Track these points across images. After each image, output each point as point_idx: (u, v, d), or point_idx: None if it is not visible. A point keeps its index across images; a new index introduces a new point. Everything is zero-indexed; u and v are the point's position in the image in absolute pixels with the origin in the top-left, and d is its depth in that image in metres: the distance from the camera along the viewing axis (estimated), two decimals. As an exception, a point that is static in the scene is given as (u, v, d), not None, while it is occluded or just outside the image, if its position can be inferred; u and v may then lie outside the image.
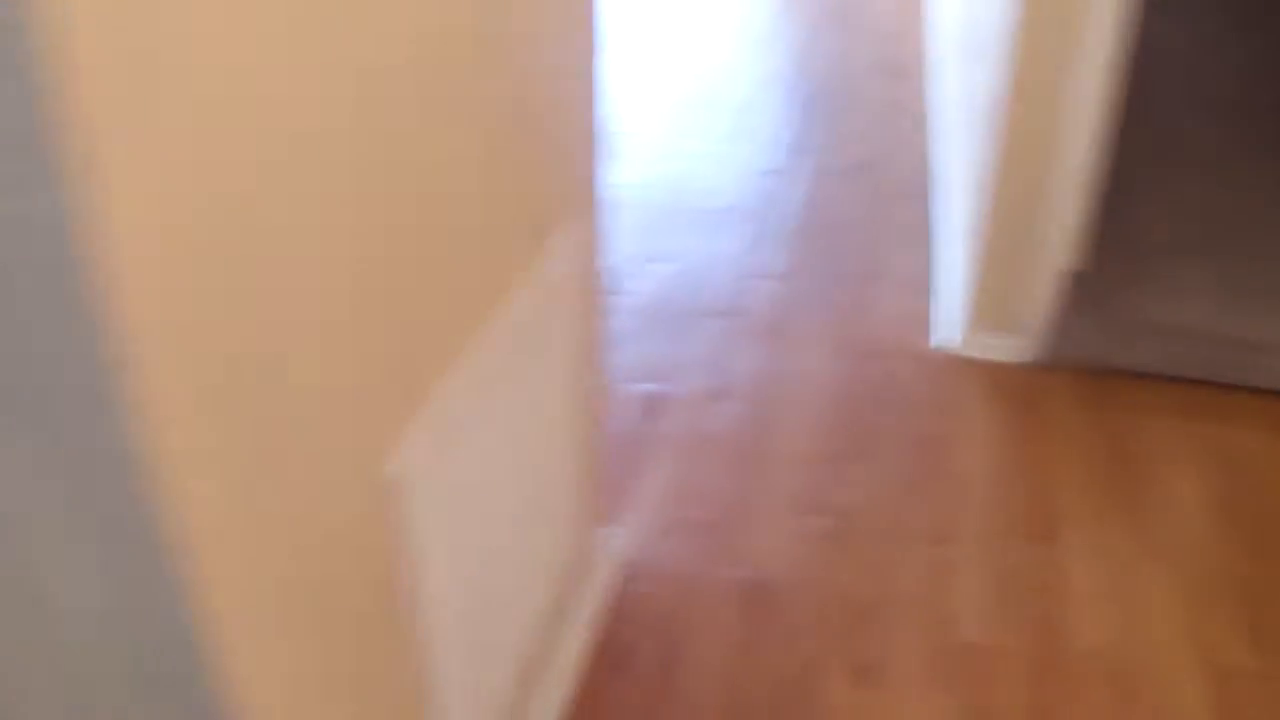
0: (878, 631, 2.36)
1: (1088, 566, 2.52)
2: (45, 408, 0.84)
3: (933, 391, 3.03)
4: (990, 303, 3.06)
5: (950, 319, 3.17)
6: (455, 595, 1.51)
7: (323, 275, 1.07)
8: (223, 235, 0.91)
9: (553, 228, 1.77)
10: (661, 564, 2.51)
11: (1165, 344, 3.14)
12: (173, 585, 0.92)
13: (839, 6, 6.04)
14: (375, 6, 1.10)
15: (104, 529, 0.90)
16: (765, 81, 4.94)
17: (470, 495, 1.52)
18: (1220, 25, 5.77)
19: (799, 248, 3.62)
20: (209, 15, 0.84)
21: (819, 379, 3.05)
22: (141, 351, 0.82)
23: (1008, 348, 3.11)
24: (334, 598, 1.19)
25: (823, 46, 5.48)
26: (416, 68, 1.22)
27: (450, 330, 1.41)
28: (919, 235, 3.69)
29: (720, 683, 2.24)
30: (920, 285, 3.43)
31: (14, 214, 0.75)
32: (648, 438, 2.84)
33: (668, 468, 2.76)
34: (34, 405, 0.84)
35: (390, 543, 1.30)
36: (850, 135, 4.44)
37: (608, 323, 2.40)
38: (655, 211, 3.81)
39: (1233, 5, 6.08)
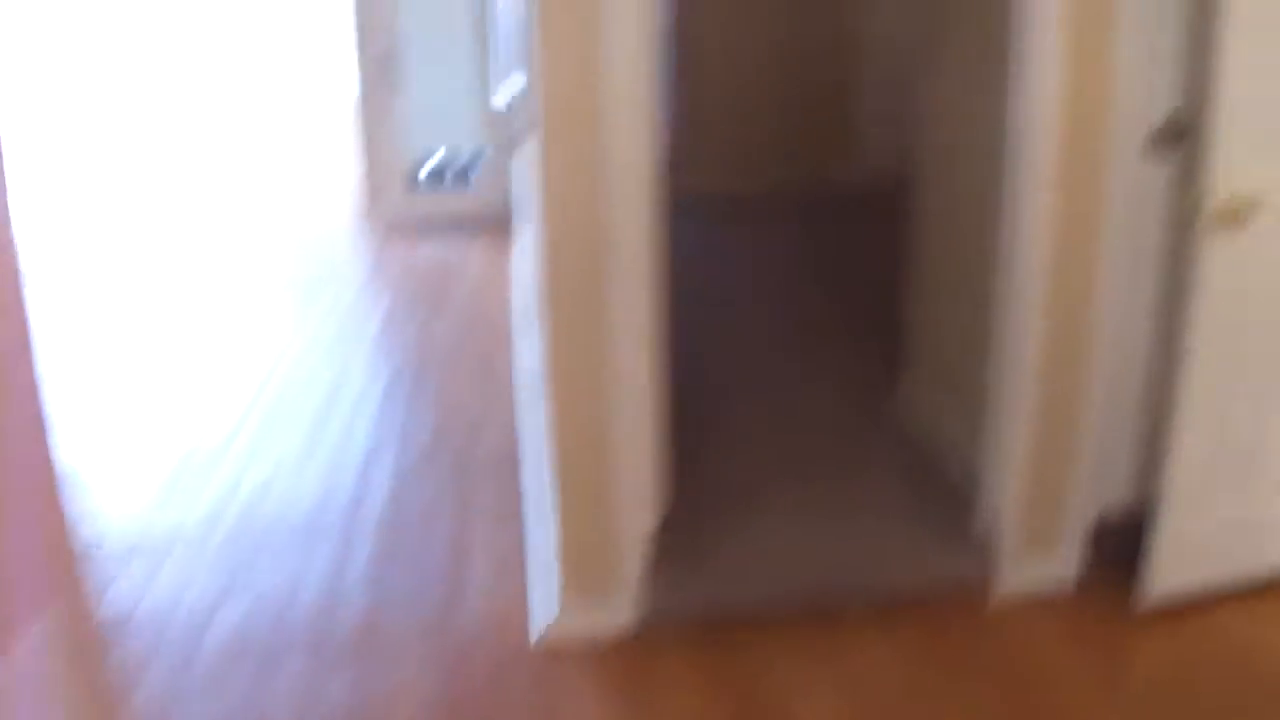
0: None
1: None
2: None
3: (539, 680, 2.80)
4: (583, 572, 2.90)
5: (548, 596, 2.99)
6: None
7: None
8: None
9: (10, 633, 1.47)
10: None
11: (765, 577, 3.08)
12: None
13: (426, 279, 6.03)
14: None
15: None
16: (346, 371, 4.78)
17: None
18: (773, 246, 6.13)
19: (387, 549, 3.37)
20: None
21: (417, 696, 2.75)
22: None
23: (609, 617, 2.93)
24: None
25: (407, 323, 5.40)
26: None
27: None
28: (511, 511, 3.53)
29: None
30: (515, 564, 3.25)
31: None
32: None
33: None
34: None
35: None
36: (436, 413, 4.31)
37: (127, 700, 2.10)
38: (230, 538, 3.47)
39: (781, 234, 6.49)
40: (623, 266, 2.66)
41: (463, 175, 7.53)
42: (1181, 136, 2.87)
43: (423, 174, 7.46)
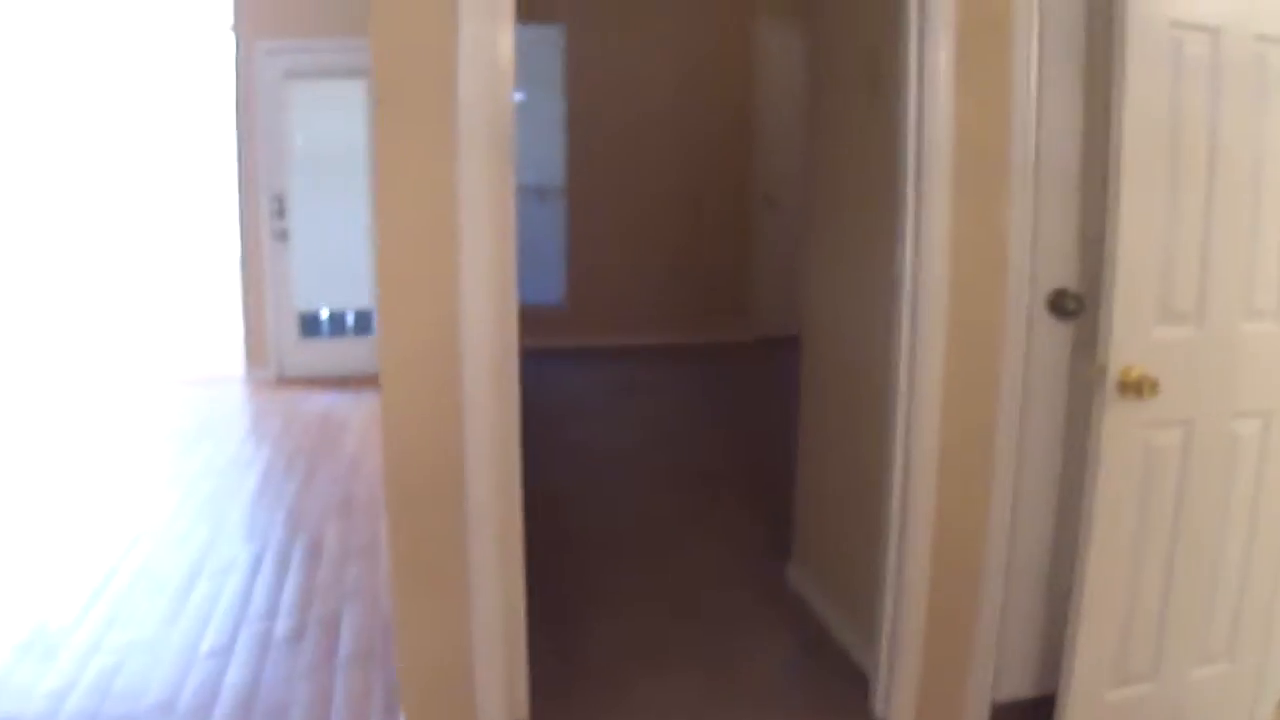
0: None
1: None
2: None
3: None
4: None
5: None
6: None
7: None
8: None
9: None
10: None
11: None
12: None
13: (311, 434, 5.78)
14: None
15: None
16: (218, 532, 4.48)
17: None
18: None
19: (237, 743, 3.08)
20: None
21: None
22: None
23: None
24: None
25: (287, 481, 5.13)
26: None
27: None
28: (379, 702, 3.24)
29: None
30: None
31: None
32: None
33: None
34: None
35: None
36: (306, 585, 4.02)
37: None
38: (76, 718, 3.16)
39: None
40: (477, 440, 2.44)
41: (361, 324, 7.35)
42: (1078, 307, 2.78)
43: (323, 315, 7.27)
